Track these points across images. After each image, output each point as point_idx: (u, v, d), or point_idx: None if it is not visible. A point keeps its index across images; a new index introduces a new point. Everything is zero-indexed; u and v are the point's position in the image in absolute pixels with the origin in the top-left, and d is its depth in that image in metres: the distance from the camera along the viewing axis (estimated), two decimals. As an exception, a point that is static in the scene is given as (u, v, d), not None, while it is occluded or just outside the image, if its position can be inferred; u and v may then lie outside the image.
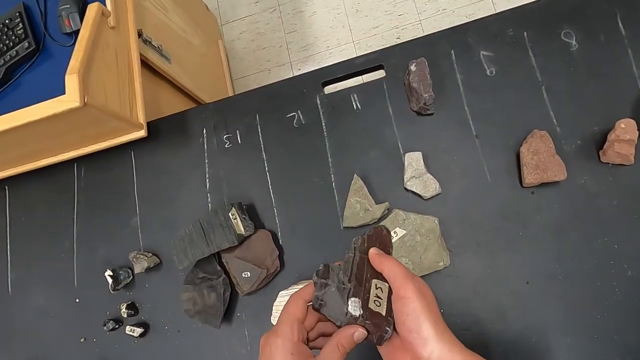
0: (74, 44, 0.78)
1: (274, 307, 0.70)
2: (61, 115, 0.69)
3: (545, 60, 0.73)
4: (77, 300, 0.83)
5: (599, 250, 0.65)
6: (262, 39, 1.70)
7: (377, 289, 0.45)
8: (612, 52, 0.71)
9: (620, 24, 0.71)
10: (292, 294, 0.45)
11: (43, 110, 0.69)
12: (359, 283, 0.45)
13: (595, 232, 0.66)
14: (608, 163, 0.67)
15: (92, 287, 0.83)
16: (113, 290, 0.78)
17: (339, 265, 0.47)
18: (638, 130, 0.64)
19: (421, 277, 0.67)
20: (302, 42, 1.66)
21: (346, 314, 0.42)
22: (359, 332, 0.42)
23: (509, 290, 0.67)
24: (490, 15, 0.77)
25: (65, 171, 0.90)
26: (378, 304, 0.44)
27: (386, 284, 0.45)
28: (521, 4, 0.76)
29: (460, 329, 0.66)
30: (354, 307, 0.43)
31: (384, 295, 0.45)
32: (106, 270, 0.79)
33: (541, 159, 0.66)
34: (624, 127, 0.63)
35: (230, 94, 1.55)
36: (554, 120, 0.70)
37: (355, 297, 0.44)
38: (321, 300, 0.44)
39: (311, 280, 0.46)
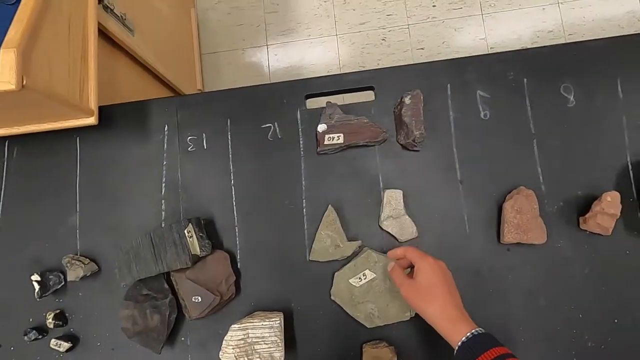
0: (18, 2, 0.64)
1: (224, 342, 0.63)
2: (-10, 94, 0.57)
3: (541, 112, 0.70)
4: (-5, 301, 0.72)
5: (564, 318, 0.65)
6: (240, 14, 1.56)
7: None
8: (608, 116, 0.69)
9: (619, 89, 0.69)
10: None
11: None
12: None
13: (563, 299, 0.65)
14: (586, 231, 0.66)
15: (14, 289, 0.72)
16: (39, 298, 0.69)
17: None
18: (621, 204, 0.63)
19: (384, 326, 0.65)
20: (282, 25, 1.54)
21: None
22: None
23: (471, 348, 0.65)
24: (493, 54, 0.73)
25: (-7, 148, 0.77)
26: None
27: None
28: (521, 43, 0.73)
29: (417, 382, 0.64)
30: None
31: None
32: (33, 274, 0.69)
33: (524, 219, 0.64)
34: (610, 200, 0.62)
35: (198, 70, 1.42)
36: (541, 178, 0.68)
37: None
38: None
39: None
